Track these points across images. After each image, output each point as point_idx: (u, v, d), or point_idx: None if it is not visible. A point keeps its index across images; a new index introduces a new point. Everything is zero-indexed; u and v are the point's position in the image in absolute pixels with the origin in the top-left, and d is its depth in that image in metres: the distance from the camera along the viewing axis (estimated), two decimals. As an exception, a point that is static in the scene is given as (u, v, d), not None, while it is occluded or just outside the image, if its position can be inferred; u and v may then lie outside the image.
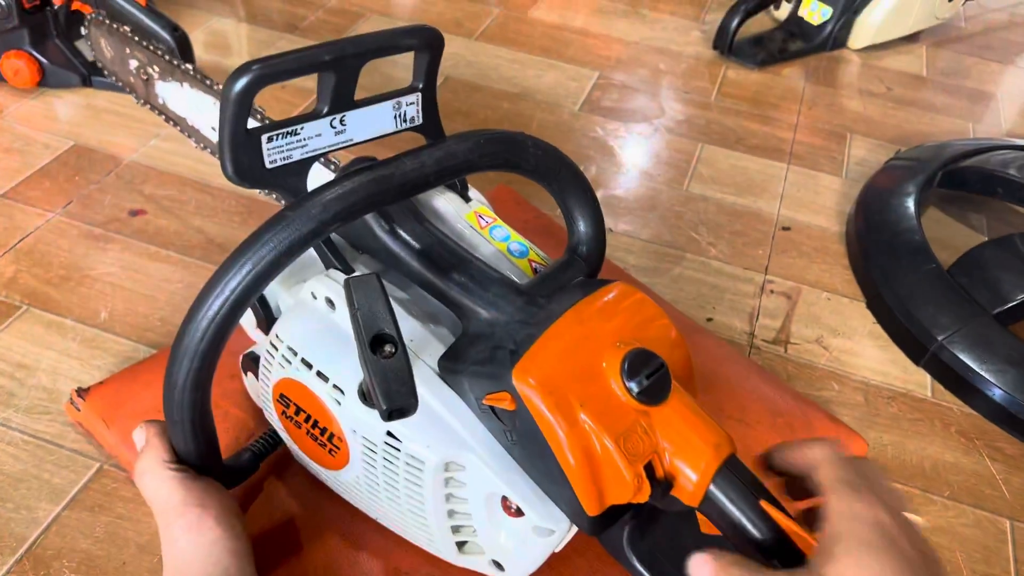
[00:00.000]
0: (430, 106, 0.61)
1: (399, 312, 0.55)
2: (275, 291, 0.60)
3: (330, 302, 0.55)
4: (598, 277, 0.60)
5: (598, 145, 1.19)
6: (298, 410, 0.56)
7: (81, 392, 0.70)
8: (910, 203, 1.02)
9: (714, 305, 0.94)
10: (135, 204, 0.97)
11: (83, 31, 0.95)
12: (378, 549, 0.62)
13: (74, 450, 0.70)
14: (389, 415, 0.44)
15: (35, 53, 1.11)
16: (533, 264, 0.62)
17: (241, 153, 0.52)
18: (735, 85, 1.38)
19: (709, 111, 1.30)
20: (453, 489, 0.52)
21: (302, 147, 0.55)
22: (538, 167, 0.56)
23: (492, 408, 0.49)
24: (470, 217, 0.64)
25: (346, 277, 0.49)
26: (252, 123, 0.52)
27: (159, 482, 0.55)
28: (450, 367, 0.51)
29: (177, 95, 0.82)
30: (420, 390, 0.47)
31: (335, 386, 0.52)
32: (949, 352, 0.86)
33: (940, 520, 0.74)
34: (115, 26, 0.88)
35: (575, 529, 0.51)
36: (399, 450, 0.51)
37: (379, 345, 0.46)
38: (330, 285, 0.55)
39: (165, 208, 0.97)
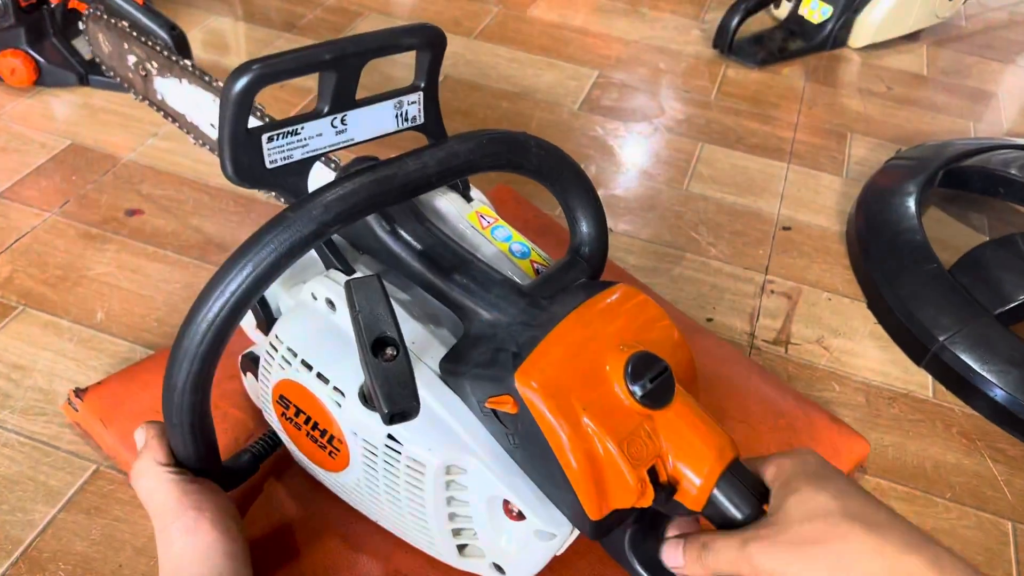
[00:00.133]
0: (432, 105, 0.60)
1: (400, 313, 0.54)
2: (275, 292, 0.60)
3: (331, 303, 0.54)
4: (601, 278, 0.60)
5: (598, 144, 1.19)
6: (298, 412, 0.56)
7: (79, 392, 0.70)
8: (911, 203, 1.02)
9: (714, 305, 0.93)
10: (132, 204, 0.96)
11: (81, 26, 0.94)
12: (378, 551, 0.62)
13: (70, 452, 0.70)
14: (391, 419, 0.44)
15: (32, 52, 1.10)
16: (535, 265, 0.61)
17: (241, 153, 0.52)
18: (735, 84, 1.38)
19: (709, 110, 1.30)
20: (454, 492, 0.51)
21: (303, 147, 0.55)
22: (540, 167, 0.56)
23: (494, 411, 0.48)
24: (471, 217, 0.64)
25: (347, 279, 0.48)
26: (252, 122, 0.52)
27: (156, 484, 0.54)
28: (452, 369, 0.51)
29: (176, 91, 0.81)
30: (421, 392, 0.47)
31: (335, 388, 0.52)
32: (950, 352, 0.85)
33: (942, 522, 0.73)
34: (113, 21, 0.87)
35: (576, 533, 0.51)
36: (400, 453, 0.50)
37: (380, 348, 0.45)
38: (330, 286, 0.54)
39: (162, 208, 0.96)
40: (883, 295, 0.93)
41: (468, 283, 0.54)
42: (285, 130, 0.54)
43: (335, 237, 0.57)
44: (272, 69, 0.50)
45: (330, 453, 0.55)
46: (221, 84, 0.74)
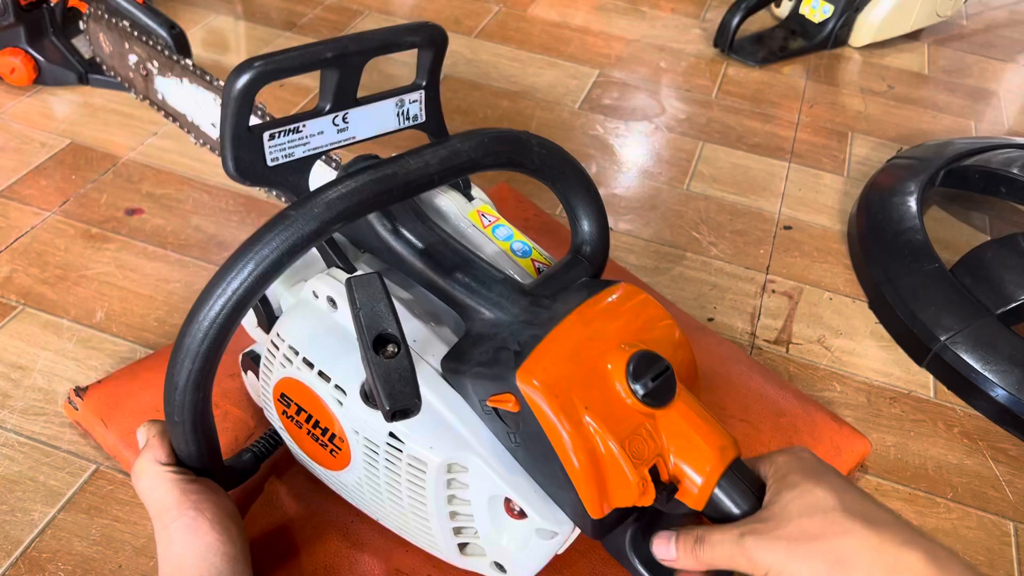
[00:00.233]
0: (433, 104, 0.60)
1: (402, 312, 0.54)
2: (276, 290, 0.59)
3: (332, 301, 0.54)
4: (602, 277, 0.59)
5: (598, 143, 1.19)
6: (299, 410, 0.55)
7: (79, 391, 0.70)
8: (912, 202, 1.01)
9: (715, 305, 0.93)
10: (132, 203, 0.96)
11: (82, 26, 0.94)
12: (379, 550, 0.62)
13: (70, 452, 0.69)
14: (392, 416, 0.44)
15: (31, 51, 1.10)
16: (536, 264, 0.61)
17: (242, 151, 0.52)
18: (736, 83, 1.37)
19: (710, 109, 1.30)
20: (455, 490, 0.51)
21: (304, 145, 0.55)
22: (542, 166, 0.56)
23: (496, 410, 0.48)
24: (473, 215, 0.64)
25: (347, 276, 0.48)
26: (254, 120, 0.52)
27: (156, 483, 0.54)
28: (453, 367, 0.51)
29: (176, 91, 0.81)
30: (423, 390, 0.46)
31: (337, 386, 0.52)
32: (952, 352, 0.85)
33: (943, 523, 0.73)
34: (114, 21, 0.87)
35: (578, 531, 0.51)
36: (401, 451, 0.50)
37: (382, 345, 0.45)
38: (332, 284, 0.54)
39: (162, 207, 0.96)
40: (884, 295, 0.93)
41: (469, 282, 0.54)
42: (286, 128, 0.53)
43: (336, 235, 0.57)
44: (274, 66, 0.50)
45: (331, 452, 0.55)
46: (222, 83, 0.74)
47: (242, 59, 0.50)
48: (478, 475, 0.50)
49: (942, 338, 0.86)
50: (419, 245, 0.57)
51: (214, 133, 0.80)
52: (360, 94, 0.57)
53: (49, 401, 0.73)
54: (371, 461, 0.53)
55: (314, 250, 0.56)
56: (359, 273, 0.49)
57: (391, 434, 0.50)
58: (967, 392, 0.85)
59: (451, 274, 0.55)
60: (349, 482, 0.56)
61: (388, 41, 0.55)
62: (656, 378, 0.47)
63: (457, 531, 0.53)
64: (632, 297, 0.53)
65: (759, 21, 1.52)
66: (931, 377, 0.88)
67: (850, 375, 0.87)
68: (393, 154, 0.50)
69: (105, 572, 0.61)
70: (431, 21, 0.57)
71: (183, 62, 0.78)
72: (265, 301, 0.60)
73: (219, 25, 1.35)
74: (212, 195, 0.98)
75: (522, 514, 0.49)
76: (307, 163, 0.56)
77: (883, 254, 0.97)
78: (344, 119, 0.56)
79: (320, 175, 0.65)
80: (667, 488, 0.47)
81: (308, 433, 0.56)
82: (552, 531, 0.49)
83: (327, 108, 0.55)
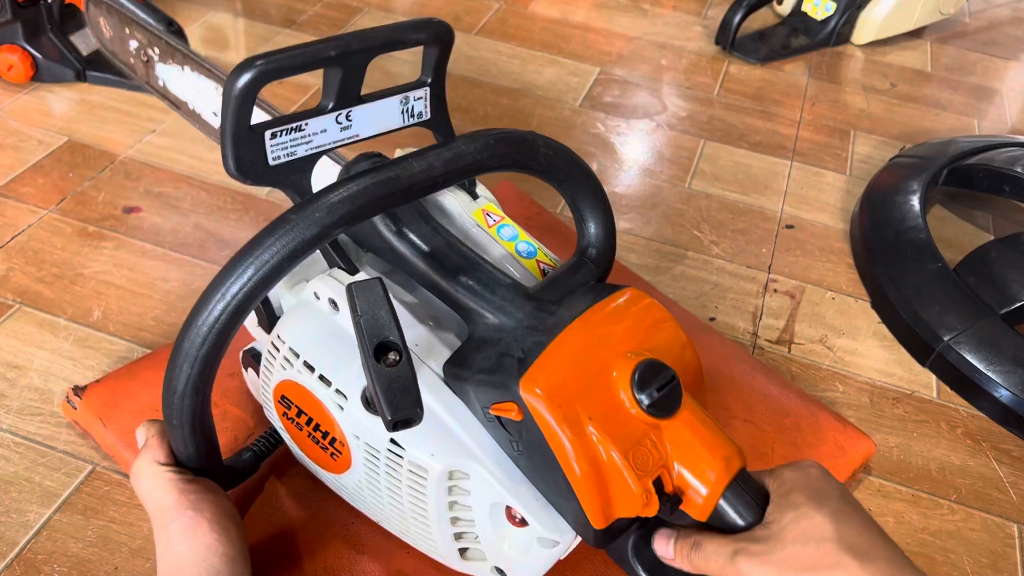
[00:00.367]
0: (438, 102, 0.59)
1: (404, 315, 0.53)
2: (277, 290, 0.59)
3: (333, 303, 0.54)
4: (608, 280, 0.59)
5: (599, 141, 1.18)
6: (299, 412, 0.55)
7: (78, 390, 0.69)
8: (915, 201, 1.01)
9: (716, 304, 0.93)
10: (130, 201, 0.96)
11: (84, 9, 0.93)
12: (379, 552, 0.61)
13: (66, 452, 0.69)
14: (394, 426, 0.43)
15: (29, 47, 1.09)
16: (541, 265, 0.61)
17: (244, 150, 0.51)
18: (738, 81, 1.37)
19: (711, 107, 1.29)
20: (457, 497, 0.51)
21: (306, 143, 0.54)
22: (549, 168, 0.55)
23: (498, 417, 0.48)
24: (477, 215, 0.63)
25: (348, 283, 0.47)
26: (256, 118, 0.51)
27: (155, 483, 0.54)
28: (456, 373, 0.50)
29: (178, 78, 0.80)
30: (425, 396, 0.46)
31: (338, 391, 0.51)
32: (955, 352, 0.85)
33: (947, 524, 0.73)
34: (114, 6, 0.86)
35: (579, 540, 0.50)
36: (402, 458, 0.50)
37: (383, 353, 0.45)
38: (333, 286, 0.54)
39: (160, 205, 0.95)
40: (887, 294, 0.93)
41: (474, 285, 0.53)
42: (288, 126, 0.53)
43: (339, 236, 0.57)
44: (276, 65, 0.49)
45: (332, 455, 0.55)
46: (223, 72, 0.73)
47: (241, 56, 0.50)
48: (480, 482, 0.49)
49: (945, 338, 0.86)
50: (423, 247, 0.56)
51: (216, 122, 0.79)
52: (362, 91, 0.57)
53: (45, 401, 0.73)
54: (372, 466, 0.52)
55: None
56: (360, 278, 0.48)
57: (392, 440, 0.50)
58: (970, 392, 0.84)
59: (455, 277, 0.54)
60: (350, 485, 0.56)
61: (393, 38, 0.54)
62: (662, 388, 0.47)
63: (458, 536, 0.53)
64: (637, 302, 0.52)
65: (761, 18, 1.51)
66: (934, 377, 0.87)
67: (852, 375, 0.86)
68: (397, 151, 0.50)
69: (101, 574, 0.61)
70: (437, 18, 0.56)
71: (184, 49, 0.77)
72: (266, 301, 0.60)
73: (218, 22, 1.35)
74: (210, 193, 0.97)
75: (523, 522, 0.49)
76: (310, 162, 0.55)
77: (886, 253, 0.96)
78: (347, 117, 0.55)
79: (323, 173, 0.64)
80: (671, 499, 0.47)
81: (308, 436, 0.56)
82: (554, 540, 0.49)
83: (330, 106, 0.54)
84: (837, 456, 0.73)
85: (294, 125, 0.53)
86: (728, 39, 1.41)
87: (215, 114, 0.79)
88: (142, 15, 0.91)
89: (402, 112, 0.58)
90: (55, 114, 1.08)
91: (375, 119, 0.57)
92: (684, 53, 1.43)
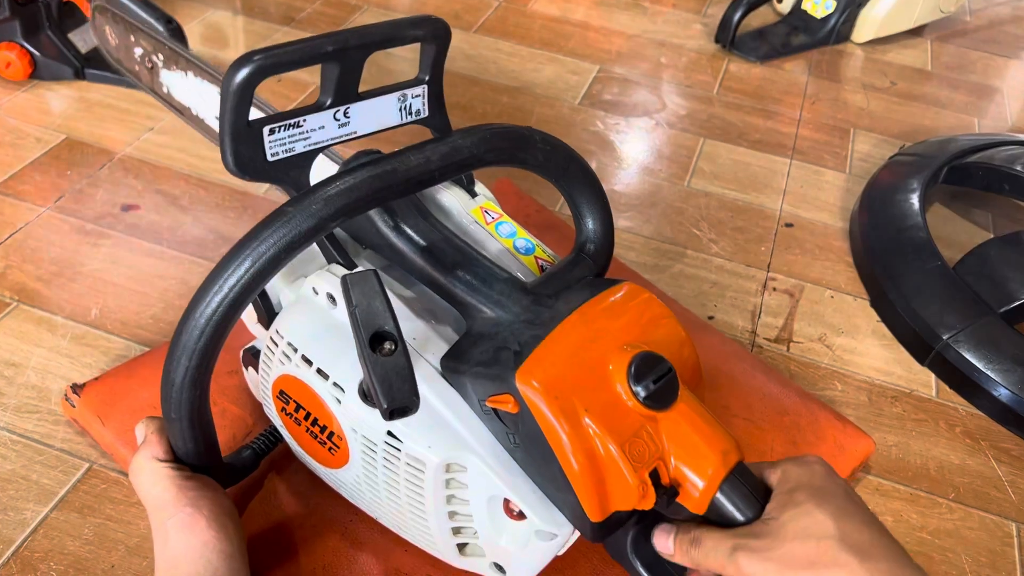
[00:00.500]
0: (436, 99, 0.59)
1: (402, 309, 0.53)
2: (276, 285, 0.59)
3: (331, 298, 0.54)
4: (606, 276, 0.59)
5: (598, 139, 1.18)
6: (298, 407, 0.55)
7: (76, 388, 0.69)
8: (915, 199, 1.01)
9: (715, 303, 0.92)
10: (128, 199, 0.95)
11: (90, 18, 0.93)
12: (378, 549, 0.61)
13: (63, 450, 0.69)
14: (390, 414, 0.43)
15: (27, 45, 1.09)
16: (539, 261, 0.61)
17: (242, 145, 0.51)
18: (737, 79, 1.37)
19: (711, 105, 1.29)
20: (454, 490, 0.51)
21: (304, 139, 0.54)
22: (546, 163, 0.55)
23: (495, 410, 0.48)
24: (475, 212, 0.63)
25: (343, 274, 0.47)
26: (255, 114, 0.51)
27: (153, 480, 0.54)
28: (453, 366, 0.50)
29: (181, 84, 0.80)
30: (422, 389, 0.46)
31: (335, 384, 0.51)
32: (954, 351, 0.85)
33: (945, 523, 0.73)
34: (119, 14, 0.86)
35: (577, 534, 0.50)
36: (400, 450, 0.50)
37: (379, 343, 0.45)
38: (331, 281, 0.54)
39: (158, 203, 0.95)
40: (886, 293, 0.92)
41: (471, 279, 0.53)
42: (287, 122, 0.53)
43: (337, 231, 0.57)
44: (274, 60, 0.49)
45: (330, 449, 0.55)
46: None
47: (240, 54, 0.49)
48: (477, 475, 0.49)
49: (944, 337, 0.85)
50: (421, 242, 0.56)
51: (218, 126, 0.79)
52: (360, 88, 0.57)
53: (42, 399, 0.72)
54: (369, 460, 0.52)
55: (314, 245, 0.55)
56: (354, 271, 0.48)
57: (389, 433, 0.50)
58: (969, 391, 0.84)
59: (452, 272, 0.54)
60: (348, 480, 0.56)
61: (390, 35, 0.54)
62: (658, 380, 0.47)
63: (456, 531, 0.53)
64: (635, 296, 0.52)
65: (761, 16, 1.51)
66: (933, 376, 0.87)
67: (851, 374, 0.86)
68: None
69: (98, 572, 0.61)
70: (434, 15, 0.56)
71: (188, 55, 0.77)
72: (264, 296, 0.60)
73: (217, 20, 1.35)
74: (208, 191, 0.97)
75: (521, 515, 0.49)
76: (308, 158, 0.55)
77: (885, 252, 0.96)
78: (345, 114, 0.55)
79: (321, 170, 0.64)
80: (668, 492, 0.47)
81: (307, 431, 0.55)
82: (551, 533, 0.49)
83: (328, 102, 0.54)
84: (836, 455, 0.73)
85: (292, 121, 0.53)
86: (728, 37, 1.41)
87: (218, 118, 0.79)
88: (144, 16, 0.91)
89: (400, 109, 0.58)
90: (53, 112, 1.08)
91: (373, 116, 0.57)
92: (684, 51, 1.43)
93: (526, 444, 0.47)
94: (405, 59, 1.25)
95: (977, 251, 0.94)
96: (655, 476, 0.46)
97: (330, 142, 0.56)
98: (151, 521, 0.54)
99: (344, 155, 0.65)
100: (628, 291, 0.52)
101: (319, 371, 0.52)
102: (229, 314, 0.45)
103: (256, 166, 0.53)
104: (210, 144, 1.01)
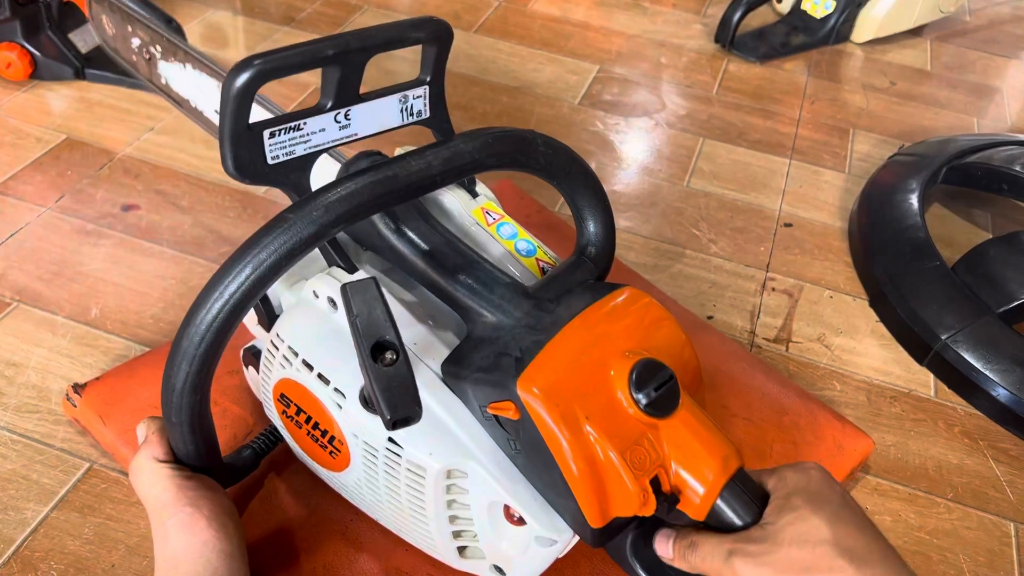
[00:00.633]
0: (437, 100, 0.59)
1: (402, 314, 0.53)
2: (276, 288, 0.59)
3: (332, 302, 0.54)
4: (607, 279, 0.59)
5: (598, 139, 1.18)
6: (299, 411, 0.55)
7: (77, 388, 0.69)
8: (914, 199, 1.01)
9: (715, 303, 0.93)
10: (128, 199, 0.96)
11: (87, 7, 0.93)
12: (378, 549, 0.61)
13: (63, 450, 0.69)
14: (393, 425, 0.43)
15: (27, 45, 1.09)
16: (541, 264, 0.61)
17: (242, 149, 0.51)
18: (737, 79, 1.37)
19: (711, 105, 1.29)
20: (455, 496, 0.51)
21: (305, 142, 0.54)
22: (548, 166, 0.55)
23: (496, 416, 0.48)
24: (477, 213, 0.63)
25: (343, 283, 0.47)
26: (255, 116, 0.51)
27: (153, 480, 0.54)
28: (454, 372, 0.50)
29: (179, 76, 0.80)
30: (423, 395, 0.46)
31: (336, 390, 0.52)
32: (953, 351, 0.85)
33: (944, 523, 0.73)
34: (116, 3, 0.86)
35: (577, 539, 0.50)
36: (401, 456, 0.50)
37: (380, 352, 0.45)
38: (332, 284, 0.54)
39: (159, 203, 0.95)
40: (885, 293, 0.93)
41: (472, 284, 0.53)
42: (287, 125, 0.53)
43: (338, 234, 0.57)
44: (274, 64, 0.49)
45: (331, 453, 0.55)
46: (224, 69, 0.72)
47: (241, 54, 0.50)
48: (478, 481, 0.49)
49: (943, 337, 0.86)
50: (422, 245, 0.56)
51: (217, 119, 0.79)
52: (360, 90, 0.57)
53: (43, 399, 0.73)
54: (370, 464, 0.52)
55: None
56: (354, 279, 0.48)
57: (391, 439, 0.50)
58: (968, 391, 0.85)
59: (454, 276, 0.54)
60: (349, 483, 0.56)
61: (392, 37, 0.54)
62: (659, 387, 0.47)
63: (456, 535, 0.53)
64: (636, 301, 0.52)
65: (760, 17, 1.51)
66: (931, 376, 0.87)
67: (850, 374, 0.86)
68: (397, 150, 0.50)
69: (98, 571, 0.61)
70: (435, 16, 0.56)
71: (186, 46, 0.77)
72: (265, 299, 0.60)
73: (217, 20, 1.34)
74: (209, 191, 0.97)
75: (522, 521, 0.49)
76: (308, 161, 0.55)
77: (884, 252, 0.96)
78: (346, 116, 0.55)
79: (323, 171, 0.64)
80: (668, 499, 0.47)
81: (308, 434, 0.56)
82: (551, 539, 0.49)
83: (329, 105, 0.54)
84: (836, 454, 0.73)
85: (293, 124, 0.53)
86: (728, 37, 1.41)
87: (216, 111, 0.79)
88: (141, 12, 0.91)
89: (401, 111, 0.58)
90: (54, 112, 1.08)
91: (374, 118, 0.57)
92: (683, 51, 1.43)
93: (527, 450, 0.47)
94: (406, 59, 1.25)
95: (976, 251, 0.94)
96: (656, 483, 0.46)
97: (331, 144, 0.56)
98: (151, 521, 0.54)
99: (347, 154, 0.65)
100: (629, 295, 0.52)
101: (320, 376, 0.52)
102: (229, 320, 0.45)
103: (256, 169, 0.53)
104: (210, 144, 1.01)
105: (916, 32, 1.56)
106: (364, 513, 0.60)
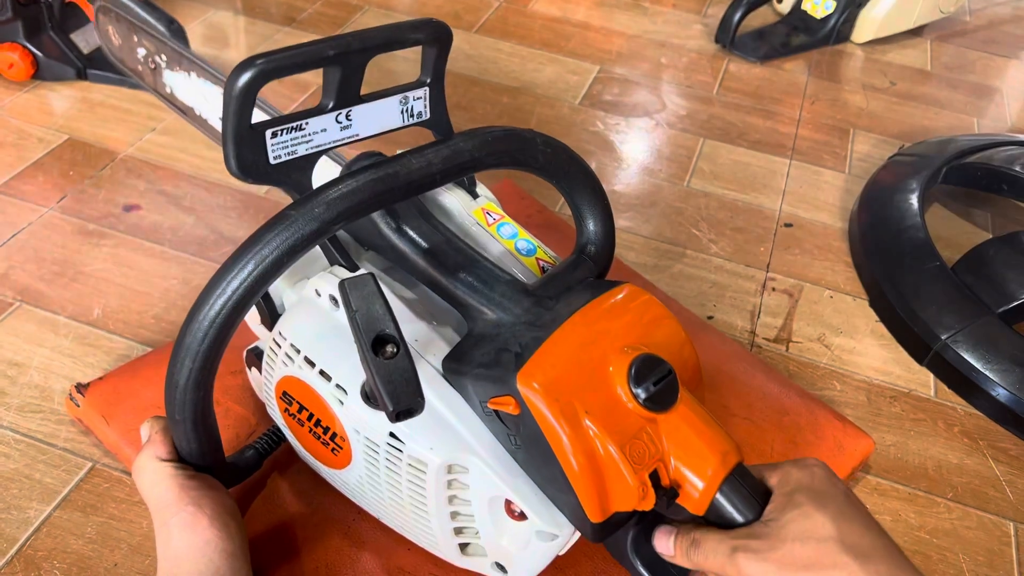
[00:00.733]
0: (438, 101, 0.59)
1: (403, 312, 0.54)
2: (279, 286, 0.59)
3: (334, 299, 0.54)
4: (607, 277, 0.59)
5: (598, 140, 1.18)
6: (301, 408, 0.55)
7: (81, 388, 0.69)
8: (914, 200, 1.01)
9: (715, 303, 0.93)
10: (130, 199, 0.96)
11: (94, 20, 0.93)
12: (380, 548, 0.61)
13: (66, 449, 0.69)
14: (396, 416, 0.44)
15: (29, 46, 1.09)
16: (541, 263, 0.61)
17: (245, 148, 0.51)
18: (737, 79, 1.37)
19: (711, 105, 1.29)
20: (456, 491, 0.51)
21: (307, 142, 0.54)
22: (547, 165, 0.55)
23: (496, 411, 0.48)
24: (477, 214, 0.63)
25: (341, 280, 0.48)
26: (257, 117, 0.51)
27: (156, 479, 0.54)
28: (454, 368, 0.50)
29: (184, 84, 0.80)
30: (424, 390, 0.46)
31: (338, 386, 0.52)
32: (953, 351, 0.85)
33: (943, 522, 0.73)
34: (122, 14, 0.86)
35: (578, 534, 0.51)
36: (402, 451, 0.50)
37: (380, 346, 0.45)
38: (333, 282, 0.54)
39: (160, 203, 0.96)
40: (885, 293, 0.93)
41: (473, 281, 0.54)
42: (289, 125, 0.53)
43: (340, 233, 0.57)
44: (276, 64, 0.50)
45: (332, 450, 0.55)
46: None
47: (242, 54, 0.50)
48: (478, 476, 0.49)
49: (943, 337, 0.86)
50: (423, 244, 0.56)
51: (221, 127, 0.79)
52: (361, 91, 0.57)
53: (45, 398, 0.73)
54: (372, 460, 0.52)
55: (317, 247, 0.55)
56: (352, 275, 0.48)
57: (392, 434, 0.50)
58: (968, 391, 0.85)
59: (454, 273, 0.54)
60: (351, 480, 0.56)
61: (392, 38, 0.54)
62: (658, 382, 0.47)
63: (458, 531, 0.53)
64: (636, 298, 0.52)
65: (761, 17, 1.51)
66: (931, 376, 0.87)
67: (850, 374, 0.87)
68: (397, 151, 0.50)
69: (100, 570, 0.61)
70: (435, 18, 0.57)
71: (191, 55, 0.78)
72: (267, 298, 0.60)
73: (219, 20, 1.35)
74: (210, 191, 0.97)
75: (522, 516, 0.49)
76: (310, 161, 0.55)
77: (884, 252, 0.97)
78: (347, 116, 0.55)
79: (324, 172, 0.64)
80: (668, 493, 0.47)
81: (310, 431, 0.56)
82: (552, 533, 0.49)
83: (330, 105, 0.54)
84: (836, 454, 0.73)
85: (294, 124, 0.53)
86: (728, 37, 1.41)
87: (221, 119, 0.79)
88: (146, 17, 0.91)
89: (402, 112, 0.58)
90: (56, 112, 1.08)
91: (375, 119, 0.57)
92: (684, 51, 1.43)
93: (527, 445, 0.48)
94: (407, 60, 1.26)
95: (976, 251, 0.94)
96: (655, 477, 0.46)
97: (332, 144, 0.56)
98: (154, 520, 0.54)
99: (347, 156, 0.66)
100: (629, 293, 0.53)
101: (322, 373, 0.53)
102: (232, 317, 0.46)
103: (259, 169, 0.53)
104: (211, 144, 1.01)
105: (916, 32, 1.57)
106: (366, 512, 0.60)
